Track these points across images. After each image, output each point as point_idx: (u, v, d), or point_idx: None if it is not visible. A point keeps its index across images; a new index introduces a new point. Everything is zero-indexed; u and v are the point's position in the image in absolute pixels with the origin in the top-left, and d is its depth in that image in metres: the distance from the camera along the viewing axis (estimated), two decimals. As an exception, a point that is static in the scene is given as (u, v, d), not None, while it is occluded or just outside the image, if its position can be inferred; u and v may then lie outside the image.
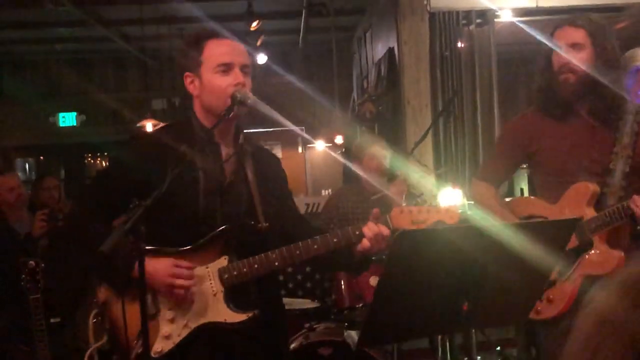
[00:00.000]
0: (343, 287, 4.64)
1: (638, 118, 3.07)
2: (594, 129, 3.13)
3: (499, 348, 4.96)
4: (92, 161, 14.47)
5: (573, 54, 3.06)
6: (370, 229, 2.56)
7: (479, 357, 4.82)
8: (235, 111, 2.59)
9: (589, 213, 3.05)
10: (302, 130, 11.32)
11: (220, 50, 2.65)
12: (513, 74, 10.72)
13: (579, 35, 3.07)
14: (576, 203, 3.07)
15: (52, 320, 4.44)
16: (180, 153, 2.52)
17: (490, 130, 6.98)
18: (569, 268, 3.09)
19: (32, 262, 3.86)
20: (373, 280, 4.53)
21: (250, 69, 2.68)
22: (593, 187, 3.05)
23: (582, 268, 3.06)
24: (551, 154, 3.19)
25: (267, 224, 2.64)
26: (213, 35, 2.68)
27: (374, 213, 2.60)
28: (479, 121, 6.98)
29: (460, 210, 2.64)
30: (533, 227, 2.53)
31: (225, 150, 2.72)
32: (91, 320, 2.66)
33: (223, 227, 2.60)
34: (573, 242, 3.06)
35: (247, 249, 2.61)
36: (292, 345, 4.25)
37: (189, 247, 2.60)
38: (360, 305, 4.53)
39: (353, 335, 4.21)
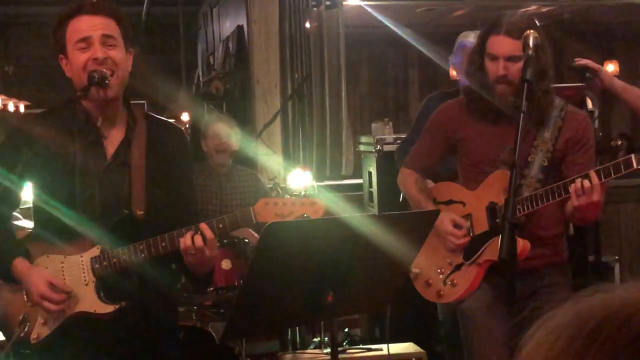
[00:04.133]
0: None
1: (562, 114, 3.06)
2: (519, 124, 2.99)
3: (347, 329, 5.03)
4: None
5: (510, 65, 2.96)
6: (183, 242, 2.48)
7: (326, 338, 4.87)
8: (95, 93, 2.49)
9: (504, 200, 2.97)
10: (143, 105, 11.03)
11: (78, 26, 2.57)
12: (357, 56, 10.89)
13: (516, 47, 2.92)
14: (494, 190, 3.05)
15: None
16: (44, 138, 2.49)
17: (338, 111, 7.02)
18: (476, 252, 3.09)
19: None
20: (225, 264, 4.46)
21: (117, 39, 2.58)
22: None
23: (489, 253, 3.03)
24: (473, 144, 3.15)
25: (142, 213, 2.57)
26: (74, 13, 2.59)
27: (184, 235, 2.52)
28: (327, 103, 7.01)
29: (320, 201, 2.62)
30: (398, 218, 2.56)
31: (109, 132, 2.63)
32: None
33: (97, 215, 2.56)
34: (484, 226, 3.08)
35: (122, 239, 2.56)
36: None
37: (65, 234, 2.57)
38: (211, 289, 4.45)
39: (219, 327, 4.13)
